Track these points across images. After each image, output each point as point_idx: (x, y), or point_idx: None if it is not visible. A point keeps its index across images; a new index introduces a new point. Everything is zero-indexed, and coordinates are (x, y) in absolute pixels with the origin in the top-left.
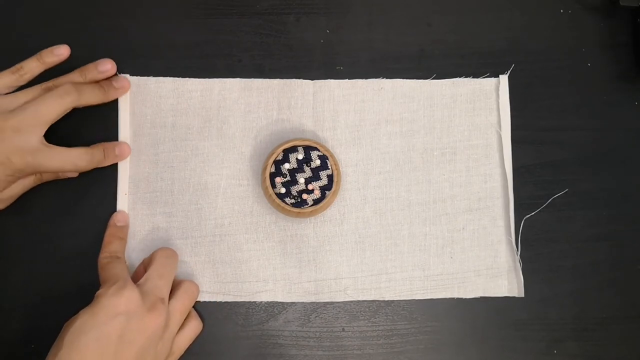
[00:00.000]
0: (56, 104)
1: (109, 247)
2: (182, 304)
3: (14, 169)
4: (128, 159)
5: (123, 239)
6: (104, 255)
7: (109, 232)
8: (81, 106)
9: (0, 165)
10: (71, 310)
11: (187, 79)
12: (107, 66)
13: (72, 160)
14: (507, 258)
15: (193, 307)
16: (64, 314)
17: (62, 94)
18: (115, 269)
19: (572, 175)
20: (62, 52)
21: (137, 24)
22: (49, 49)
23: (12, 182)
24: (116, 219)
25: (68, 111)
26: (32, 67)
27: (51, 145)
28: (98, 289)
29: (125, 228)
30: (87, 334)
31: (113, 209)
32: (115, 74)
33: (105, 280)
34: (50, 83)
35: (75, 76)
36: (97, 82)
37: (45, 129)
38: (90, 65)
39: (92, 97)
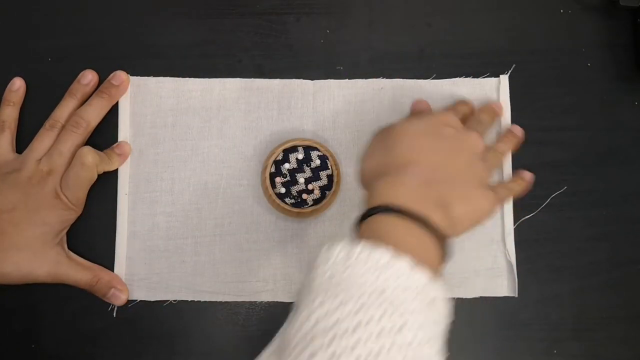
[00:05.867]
0: (73, 139)
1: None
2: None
3: (66, 207)
4: (128, 159)
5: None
6: None
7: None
8: (97, 123)
9: (55, 209)
10: (71, 310)
11: (187, 79)
12: (89, 77)
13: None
14: (507, 258)
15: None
16: (64, 313)
17: (73, 129)
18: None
19: (572, 175)
20: (19, 85)
21: (137, 24)
22: (8, 87)
23: (69, 221)
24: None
25: (88, 137)
26: (9, 113)
27: None
28: None
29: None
30: None
31: (113, 209)
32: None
33: None
34: (51, 120)
35: (69, 103)
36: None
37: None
38: (75, 85)
39: (98, 110)
